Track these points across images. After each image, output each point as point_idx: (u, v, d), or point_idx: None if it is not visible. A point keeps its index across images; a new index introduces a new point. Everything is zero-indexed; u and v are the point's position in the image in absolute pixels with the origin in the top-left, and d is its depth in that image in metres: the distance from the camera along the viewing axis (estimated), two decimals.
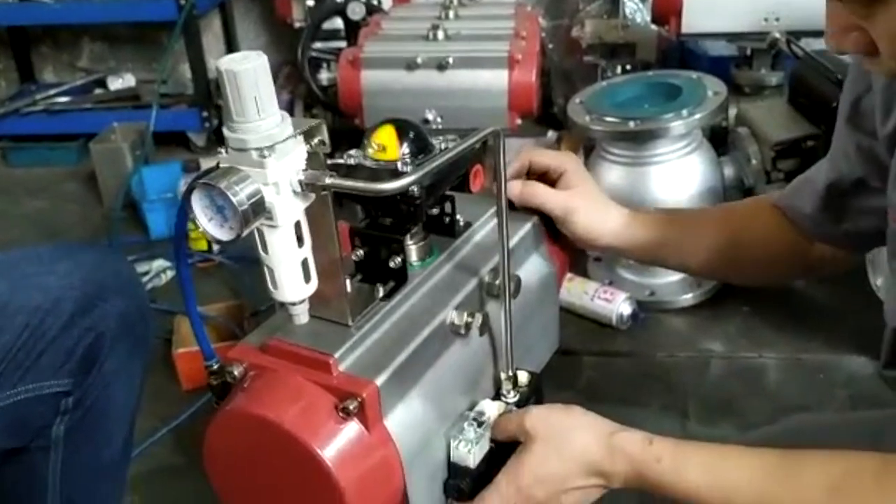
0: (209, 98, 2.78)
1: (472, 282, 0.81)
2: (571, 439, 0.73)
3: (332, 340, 0.70)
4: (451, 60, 1.88)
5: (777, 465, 0.67)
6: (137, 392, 0.98)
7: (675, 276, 1.89)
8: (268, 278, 0.66)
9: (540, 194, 0.92)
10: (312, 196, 0.64)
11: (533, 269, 0.90)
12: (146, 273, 2.10)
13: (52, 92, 2.91)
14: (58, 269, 0.89)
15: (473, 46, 1.92)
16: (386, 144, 0.75)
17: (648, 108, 1.79)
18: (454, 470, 0.77)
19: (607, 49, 2.45)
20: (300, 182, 0.61)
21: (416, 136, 0.77)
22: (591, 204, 0.95)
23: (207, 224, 0.60)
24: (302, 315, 0.68)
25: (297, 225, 0.64)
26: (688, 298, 1.86)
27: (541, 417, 0.75)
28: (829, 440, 0.88)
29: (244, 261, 2.13)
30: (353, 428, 0.67)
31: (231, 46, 3.05)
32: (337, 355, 0.69)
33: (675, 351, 1.75)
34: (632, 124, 1.71)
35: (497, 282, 0.81)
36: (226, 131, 0.60)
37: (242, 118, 0.59)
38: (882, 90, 0.79)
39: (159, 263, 2.12)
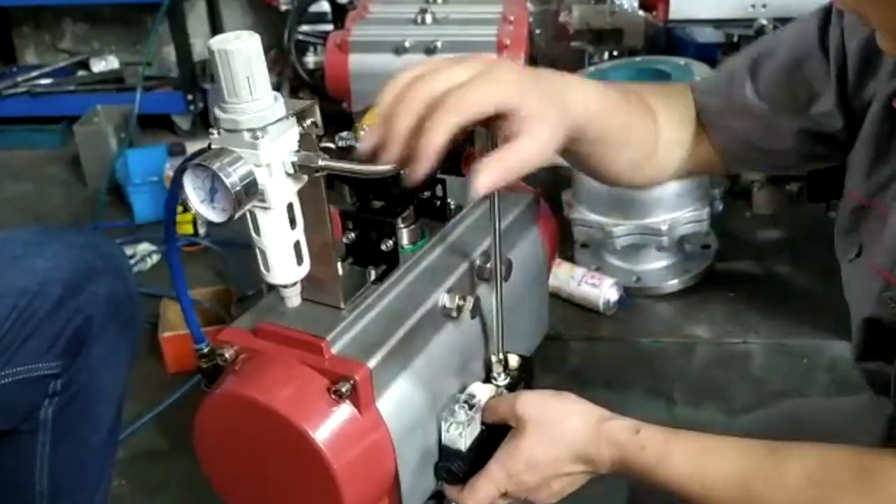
0: (194, 81, 2.76)
1: (463, 265, 0.80)
2: (563, 426, 0.73)
3: (323, 323, 0.70)
4: (439, 45, 1.88)
5: (758, 458, 0.68)
6: (125, 375, 0.98)
7: (661, 262, 1.90)
8: (259, 260, 0.65)
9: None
10: (304, 178, 0.63)
11: (524, 252, 0.89)
12: (132, 257, 2.09)
13: (34, 74, 2.88)
14: (45, 252, 0.89)
15: (462, 31, 1.91)
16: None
17: None
18: (445, 452, 0.77)
19: (594, 35, 2.44)
20: (293, 164, 0.61)
21: None
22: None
23: (199, 205, 0.60)
24: (294, 298, 0.68)
25: (290, 207, 0.64)
26: (674, 284, 1.87)
27: (533, 403, 0.75)
28: (819, 426, 0.89)
29: (230, 245, 2.13)
30: (345, 410, 0.67)
31: (216, 29, 3.02)
32: (329, 338, 0.69)
33: (661, 336, 1.76)
34: None
35: (488, 265, 0.81)
36: (217, 112, 0.59)
37: (235, 98, 0.58)
38: (858, 51, 0.76)
39: (144, 247, 2.11)
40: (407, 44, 1.89)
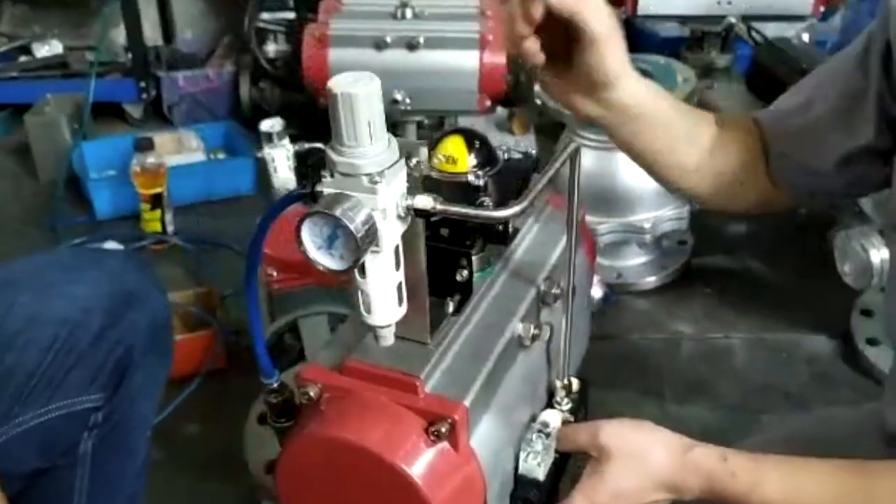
0: (146, 67, 2.65)
1: (531, 292, 0.80)
2: (648, 457, 0.74)
3: (413, 360, 0.69)
4: (421, 40, 1.84)
5: (848, 479, 0.70)
6: (159, 402, 0.94)
7: (641, 259, 1.93)
8: (360, 303, 0.63)
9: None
10: (410, 219, 0.62)
11: (578, 273, 0.90)
12: None
13: None
14: (84, 278, 0.85)
15: (444, 26, 1.88)
16: (456, 156, 0.73)
17: None
18: (522, 481, 0.77)
19: None
20: (407, 207, 0.60)
21: (482, 145, 0.75)
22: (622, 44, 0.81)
23: (316, 253, 0.58)
24: (389, 338, 0.67)
25: (396, 249, 0.62)
26: (652, 281, 1.91)
27: (616, 434, 0.75)
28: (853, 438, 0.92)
29: (200, 243, 2.07)
30: (443, 449, 0.66)
31: (165, 13, 2.91)
32: (422, 376, 0.68)
33: (647, 333, 1.79)
34: None
35: (553, 290, 0.82)
36: (332, 154, 0.57)
37: (354, 143, 0.56)
38: None
39: (111, 246, 2.03)
40: (388, 39, 1.85)
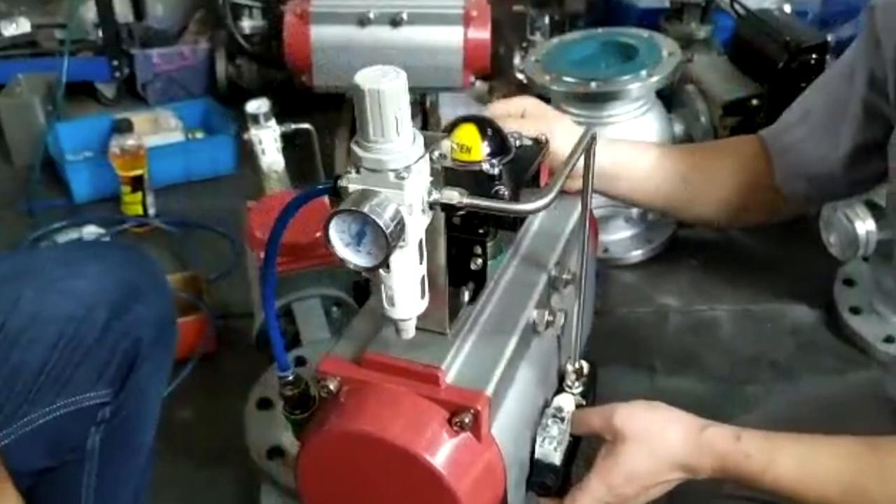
0: (119, 45, 2.59)
1: (542, 277, 0.81)
2: (663, 438, 0.75)
3: (433, 351, 0.69)
4: (405, 16, 1.83)
5: (862, 456, 0.72)
6: (164, 394, 0.93)
7: (627, 233, 1.94)
8: (383, 296, 0.63)
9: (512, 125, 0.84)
10: (433, 212, 0.62)
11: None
12: (78, 241, 1.98)
13: None
14: (87, 273, 0.83)
15: (428, 1, 1.86)
16: (470, 145, 0.73)
17: (606, 68, 1.80)
18: (538, 466, 0.78)
19: None
20: (432, 202, 0.59)
21: (494, 133, 0.75)
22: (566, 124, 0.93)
23: (344, 250, 0.57)
24: (410, 330, 0.66)
25: (420, 243, 0.62)
26: (639, 254, 1.92)
27: (630, 416, 0.76)
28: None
29: (183, 225, 2.05)
30: (466, 440, 0.67)
31: None
32: (443, 367, 0.68)
33: (635, 307, 1.81)
34: (593, 85, 1.73)
35: (564, 275, 0.82)
36: (358, 150, 0.57)
37: (381, 138, 0.56)
38: None
39: (92, 230, 2.00)
40: (371, 15, 1.83)
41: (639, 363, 1.66)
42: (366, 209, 0.55)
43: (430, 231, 0.64)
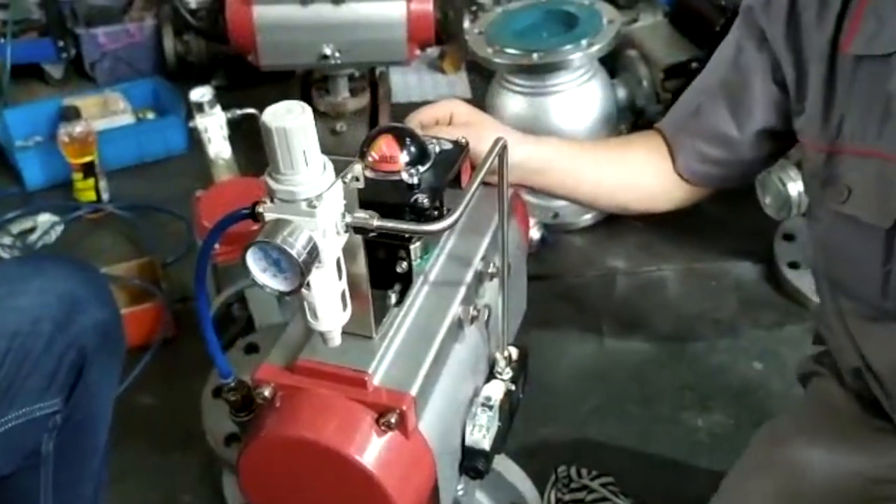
0: (63, 24, 2.56)
1: (469, 273, 0.84)
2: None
3: (360, 355, 0.73)
4: None
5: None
6: (116, 394, 0.97)
7: None
8: (307, 311, 0.67)
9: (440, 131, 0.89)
10: (350, 233, 0.65)
11: (512, 246, 0.94)
12: (32, 230, 1.99)
13: None
14: (30, 289, 0.86)
15: None
16: (389, 155, 0.76)
17: (548, 37, 1.82)
18: (470, 452, 0.82)
19: None
20: (346, 225, 0.63)
21: (413, 142, 0.78)
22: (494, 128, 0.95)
23: (263, 277, 0.61)
24: (336, 339, 0.70)
25: (338, 261, 0.65)
26: (588, 219, 1.97)
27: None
28: None
29: (136, 209, 2.06)
30: (394, 438, 0.71)
31: None
32: (370, 370, 0.72)
33: (583, 270, 1.86)
34: (535, 56, 1.75)
35: (489, 270, 0.86)
36: (271, 182, 0.60)
37: (291, 170, 0.59)
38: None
39: (46, 218, 2.01)
40: None
41: (587, 327, 1.71)
42: (278, 241, 0.59)
43: (349, 246, 0.68)
